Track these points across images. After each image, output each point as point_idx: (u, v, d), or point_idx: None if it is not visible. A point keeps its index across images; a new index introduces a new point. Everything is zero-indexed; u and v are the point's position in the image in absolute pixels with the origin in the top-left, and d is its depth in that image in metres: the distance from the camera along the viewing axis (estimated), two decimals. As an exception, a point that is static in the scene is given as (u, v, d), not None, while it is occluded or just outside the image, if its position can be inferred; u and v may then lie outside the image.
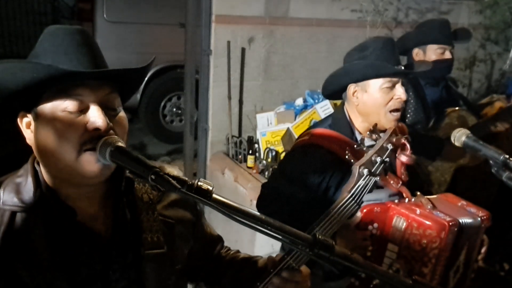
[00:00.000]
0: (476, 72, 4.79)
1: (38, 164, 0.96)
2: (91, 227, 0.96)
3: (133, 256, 0.98)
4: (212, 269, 1.25)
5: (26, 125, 0.93)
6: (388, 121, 1.64)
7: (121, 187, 1.00)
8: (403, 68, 1.67)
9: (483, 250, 1.62)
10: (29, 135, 0.94)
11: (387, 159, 1.22)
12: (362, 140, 1.46)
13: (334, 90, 1.79)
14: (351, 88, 1.68)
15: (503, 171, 1.34)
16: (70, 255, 0.92)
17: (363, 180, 1.18)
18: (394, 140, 1.26)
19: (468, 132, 1.50)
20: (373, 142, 1.43)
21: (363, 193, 1.17)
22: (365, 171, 1.18)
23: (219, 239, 1.30)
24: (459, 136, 1.51)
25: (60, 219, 0.92)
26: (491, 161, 1.37)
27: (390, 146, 1.23)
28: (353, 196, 1.17)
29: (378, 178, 1.19)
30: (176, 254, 1.05)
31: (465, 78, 4.70)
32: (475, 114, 2.43)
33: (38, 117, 0.90)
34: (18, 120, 0.94)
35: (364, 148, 1.36)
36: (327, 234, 1.10)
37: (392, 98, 1.63)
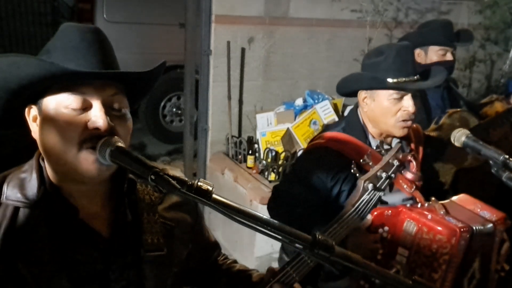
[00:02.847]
0: (475, 72, 4.79)
1: (43, 160, 0.96)
2: (92, 226, 0.96)
3: (132, 257, 0.98)
4: (207, 275, 1.25)
5: (33, 119, 0.94)
6: (396, 130, 1.62)
7: (123, 188, 1.00)
8: (416, 77, 1.63)
9: (503, 251, 1.57)
10: (35, 128, 0.94)
11: (393, 175, 1.22)
12: (382, 143, 1.44)
13: (347, 93, 1.80)
14: (362, 94, 1.68)
15: (503, 171, 1.33)
16: (71, 253, 0.92)
17: (368, 194, 1.18)
18: (400, 156, 1.26)
19: (467, 132, 1.50)
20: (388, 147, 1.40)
21: (367, 208, 1.17)
22: (370, 186, 1.18)
23: (216, 245, 1.29)
24: (459, 137, 1.51)
25: (62, 216, 0.93)
26: (491, 161, 1.37)
27: (396, 162, 1.23)
28: (357, 210, 1.16)
29: (383, 193, 1.19)
30: (175, 256, 1.05)
31: (464, 78, 4.70)
32: (476, 115, 2.42)
33: (42, 111, 0.91)
34: (26, 113, 0.95)
35: (383, 151, 1.34)
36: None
37: (400, 109, 1.61)
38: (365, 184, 1.19)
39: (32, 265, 0.88)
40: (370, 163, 1.26)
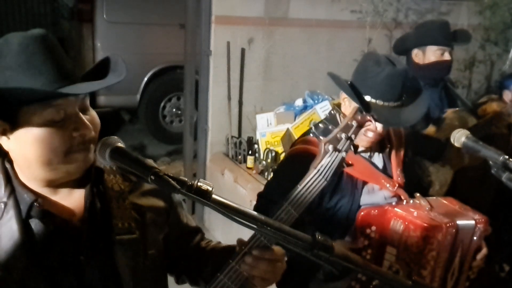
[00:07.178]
0: (475, 73, 4.78)
1: (9, 161, 0.98)
2: (62, 216, 0.98)
3: (104, 242, 1.00)
4: (192, 261, 1.24)
5: (1, 133, 0.93)
6: (360, 140, 1.60)
7: (90, 177, 1.02)
8: (397, 103, 1.61)
9: (479, 257, 1.59)
10: (5, 142, 0.94)
11: (353, 136, 1.23)
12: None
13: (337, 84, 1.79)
14: (343, 94, 1.70)
15: (503, 171, 1.33)
16: (41, 244, 0.94)
17: (329, 156, 1.19)
18: (359, 117, 1.27)
19: (467, 132, 1.49)
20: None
21: (330, 169, 1.18)
22: (330, 147, 1.20)
23: (197, 230, 1.29)
24: (459, 137, 1.50)
25: (31, 213, 0.95)
26: (490, 162, 1.37)
27: (354, 123, 1.24)
28: (320, 172, 1.18)
29: (345, 154, 1.20)
30: (148, 239, 1.06)
31: (464, 79, 4.69)
32: (474, 114, 2.43)
33: (18, 126, 0.91)
34: None
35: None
36: (298, 210, 1.10)
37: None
38: (325, 147, 1.21)
39: (4, 262, 0.90)
40: (330, 127, 1.27)
